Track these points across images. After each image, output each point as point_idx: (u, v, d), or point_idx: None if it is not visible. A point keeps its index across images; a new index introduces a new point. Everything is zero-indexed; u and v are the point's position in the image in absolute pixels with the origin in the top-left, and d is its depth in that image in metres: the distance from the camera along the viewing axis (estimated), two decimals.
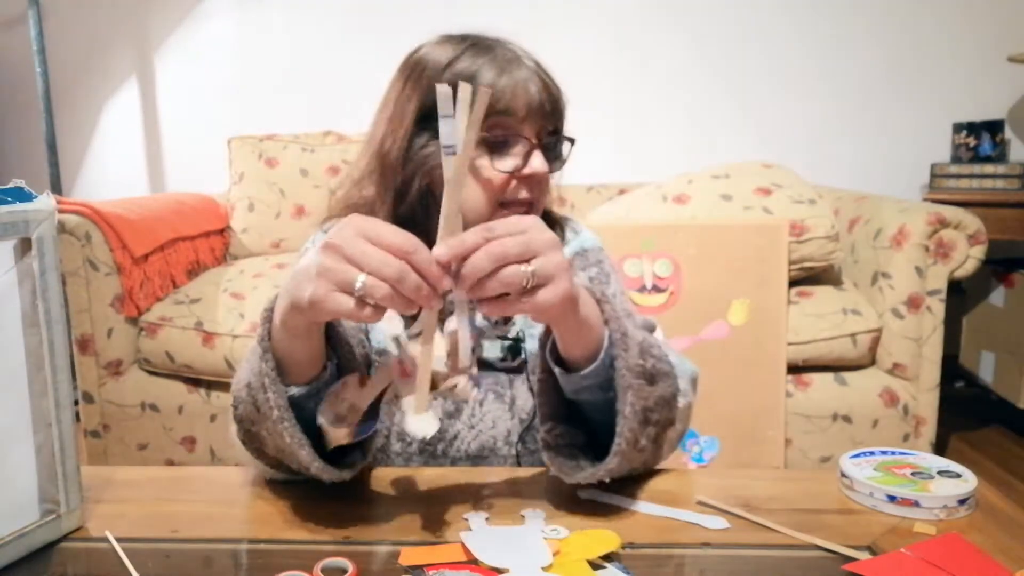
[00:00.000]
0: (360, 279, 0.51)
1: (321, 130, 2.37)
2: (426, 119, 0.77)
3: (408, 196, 0.79)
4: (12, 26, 2.59)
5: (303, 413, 0.61)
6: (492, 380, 0.82)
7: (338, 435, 0.60)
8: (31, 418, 0.57)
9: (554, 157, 0.79)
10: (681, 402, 0.68)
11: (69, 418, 0.60)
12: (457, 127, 0.54)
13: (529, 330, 0.83)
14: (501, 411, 0.81)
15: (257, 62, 2.59)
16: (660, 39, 2.48)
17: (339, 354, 0.65)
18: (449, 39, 0.80)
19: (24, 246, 0.56)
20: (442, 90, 0.53)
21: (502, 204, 0.77)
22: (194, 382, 1.79)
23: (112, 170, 2.68)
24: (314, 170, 2.27)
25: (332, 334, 0.64)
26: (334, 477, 0.62)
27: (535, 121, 0.76)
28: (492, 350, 0.83)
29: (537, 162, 0.75)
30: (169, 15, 2.59)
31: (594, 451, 0.67)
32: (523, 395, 0.82)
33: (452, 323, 0.57)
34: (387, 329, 0.61)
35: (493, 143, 0.75)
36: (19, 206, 0.56)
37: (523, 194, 0.77)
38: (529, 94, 0.75)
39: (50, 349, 0.58)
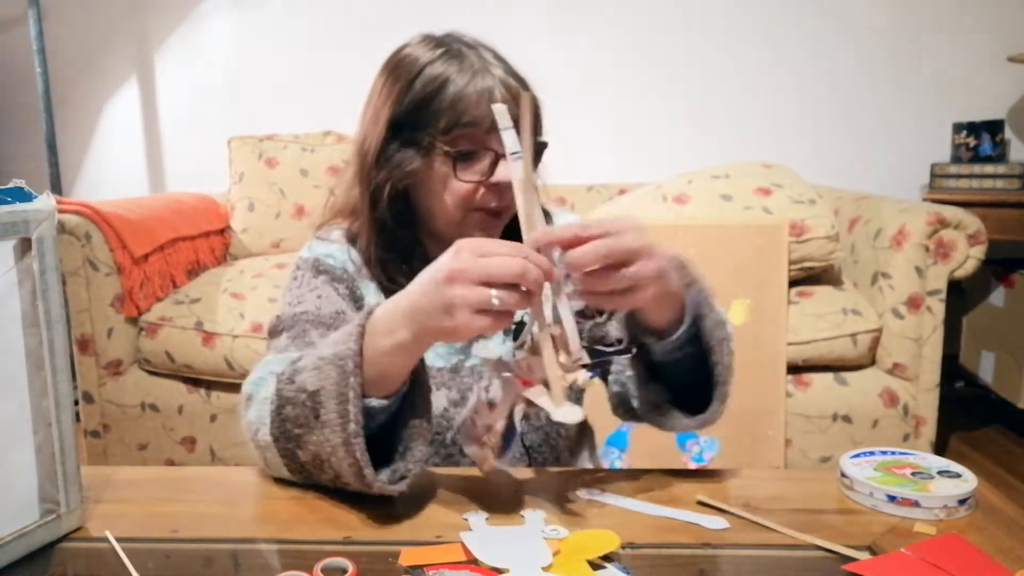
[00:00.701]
0: (494, 294, 0.56)
1: (321, 130, 2.37)
2: (398, 123, 0.79)
3: (381, 200, 0.80)
4: (12, 26, 2.59)
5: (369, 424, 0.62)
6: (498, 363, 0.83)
7: (486, 457, 0.64)
8: (31, 418, 0.57)
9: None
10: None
11: (69, 418, 0.60)
12: (521, 136, 0.61)
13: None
14: None
15: (257, 62, 2.59)
16: (660, 39, 2.48)
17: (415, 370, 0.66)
18: (427, 40, 0.81)
19: (24, 246, 0.56)
20: (498, 108, 0.61)
21: (473, 209, 0.78)
22: (194, 382, 1.79)
23: (112, 170, 2.68)
24: (314, 170, 2.27)
25: None
26: (389, 491, 0.62)
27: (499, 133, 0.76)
28: (493, 338, 0.84)
29: (502, 171, 0.76)
30: (169, 15, 2.59)
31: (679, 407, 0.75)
32: None
33: (550, 322, 0.61)
34: (490, 353, 0.68)
35: (458, 155, 0.77)
36: (19, 206, 0.56)
37: (492, 203, 0.78)
38: (482, 104, 0.75)
39: (50, 349, 0.58)
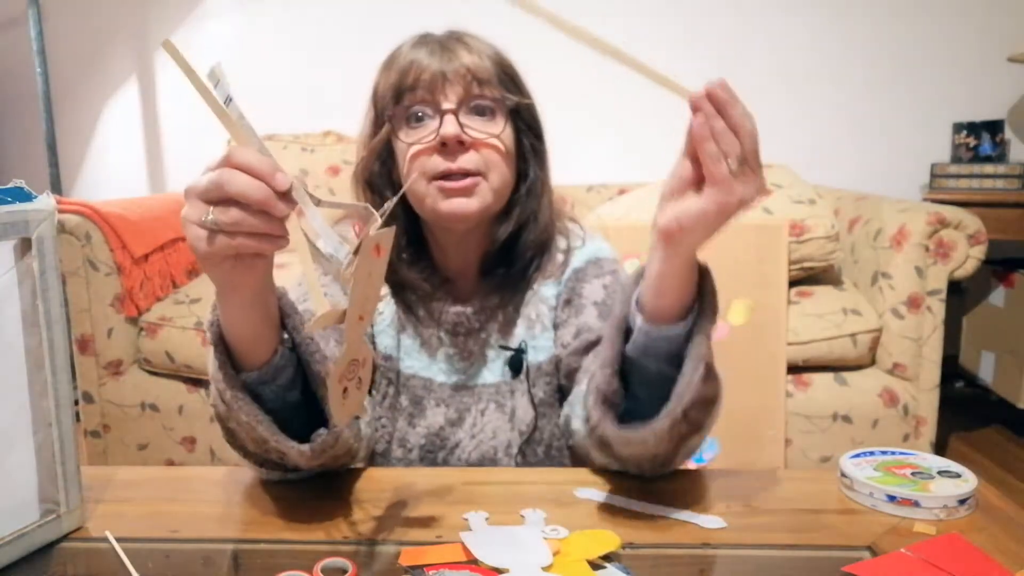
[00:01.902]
0: (210, 211, 0.52)
1: (321, 130, 2.37)
2: (381, 113, 0.79)
3: (377, 191, 0.81)
4: (12, 26, 2.59)
5: (261, 401, 0.62)
6: (493, 390, 0.82)
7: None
8: (31, 418, 0.57)
9: (485, 121, 0.77)
10: (714, 413, 0.66)
11: (69, 418, 0.60)
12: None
13: (532, 342, 0.83)
14: (502, 421, 0.81)
15: (257, 62, 2.59)
16: (660, 38, 2.48)
17: (293, 335, 0.65)
18: (418, 36, 0.81)
19: (24, 246, 0.56)
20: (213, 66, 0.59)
21: (441, 177, 0.75)
22: (194, 382, 1.79)
23: (112, 170, 2.68)
24: (314, 170, 2.27)
25: (284, 316, 0.64)
26: (295, 450, 0.61)
27: (448, 90, 0.75)
28: (494, 362, 0.83)
29: (447, 128, 0.74)
30: (169, 15, 2.59)
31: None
32: (523, 407, 0.81)
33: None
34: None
35: (407, 118, 0.77)
36: (19, 206, 0.56)
37: (441, 166, 0.75)
38: (431, 67, 0.75)
39: (50, 349, 0.58)
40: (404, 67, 0.77)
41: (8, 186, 0.56)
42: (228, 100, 0.56)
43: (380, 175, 0.81)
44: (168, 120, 2.66)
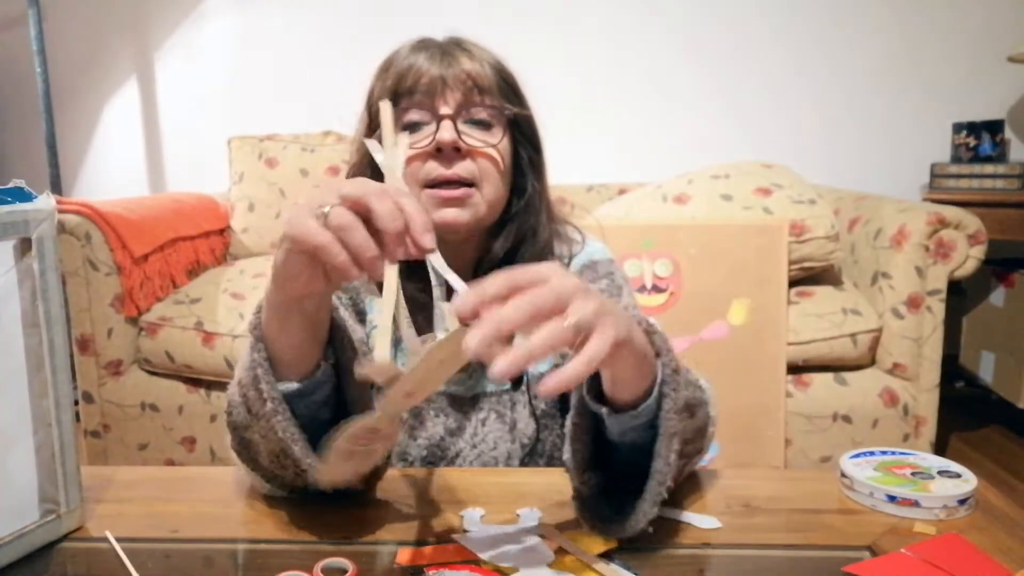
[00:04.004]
0: (330, 203, 0.49)
1: (321, 130, 2.37)
2: (373, 119, 0.78)
3: None
4: (12, 26, 2.59)
5: (293, 416, 0.59)
6: (494, 400, 0.81)
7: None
8: (31, 418, 0.57)
9: (483, 130, 0.76)
10: (711, 430, 0.66)
11: (69, 418, 0.60)
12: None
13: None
14: (502, 432, 0.81)
15: (257, 62, 2.59)
16: (660, 39, 2.48)
17: (337, 353, 0.63)
18: (415, 40, 0.80)
19: (24, 246, 0.56)
20: (384, 105, 0.58)
21: (435, 185, 0.74)
22: (194, 382, 1.79)
23: (112, 170, 2.68)
24: (314, 170, 2.27)
25: (334, 331, 0.62)
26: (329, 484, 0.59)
27: (447, 95, 0.75)
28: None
29: (444, 133, 0.73)
30: (169, 15, 2.59)
31: (626, 494, 0.60)
32: (524, 418, 0.81)
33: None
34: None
35: (404, 126, 0.76)
36: (19, 206, 0.56)
37: (441, 170, 0.73)
38: (431, 71, 0.74)
39: (50, 349, 0.58)
40: (402, 71, 0.76)
41: (8, 186, 0.56)
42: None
43: (373, 180, 0.81)
44: (168, 120, 2.66)
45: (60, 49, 2.56)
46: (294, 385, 0.59)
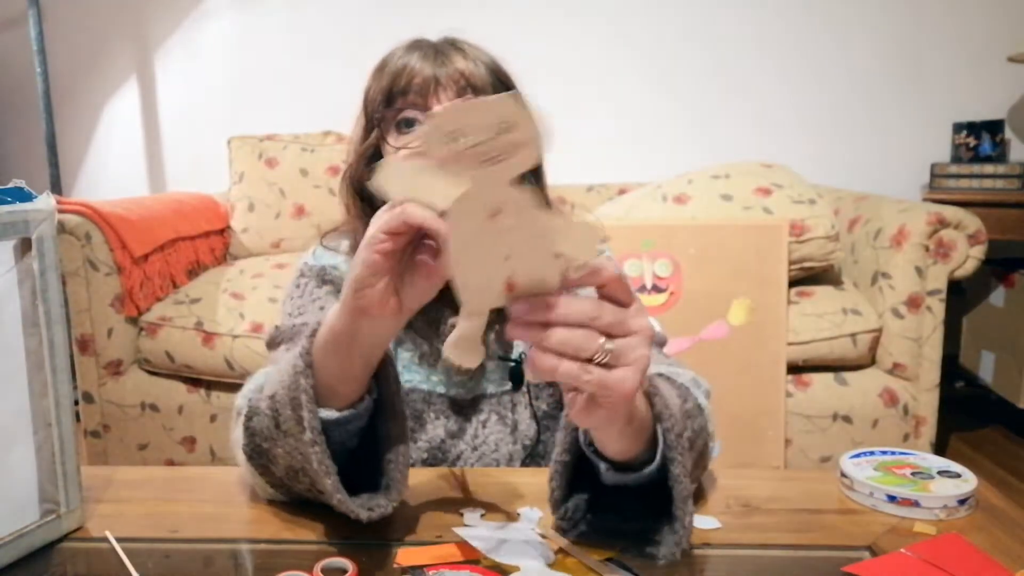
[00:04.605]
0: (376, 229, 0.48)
1: (321, 130, 2.37)
2: (372, 117, 0.78)
3: (369, 199, 0.79)
4: (12, 26, 2.59)
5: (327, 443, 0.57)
6: (495, 401, 0.81)
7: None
8: (31, 418, 0.57)
9: None
10: (715, 449, 0.65)
11: (69, 418, 0.60)
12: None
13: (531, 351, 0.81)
14: (503, 434, 0.81)
15: (257, 62, 2.59)
16: (660, 38, 2.48)
17: (381, 389, 0.61)
18: (410, 41, 0.80)
19: (24, 246, 0.56)
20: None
21: None
22: (194, 382, 1.79)
23: (112, 170, 2.68)
24: (314, 170, 2.27)
25: (381, 365, 0.60)
26: (354, 513, 0.56)
27: (441, 94, 0.74)
28: (494, 373, 0.81)
29: None
30: (169, 15, 2.59)
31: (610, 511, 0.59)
32: (525, 420, 0.81)
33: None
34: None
35: (397, 122, 0.76)
36: (19, 206, 0.56)
37: None
38: (425, 71, 0.74)
39: (50, 349, 0.58)
40: (396, 71, 0.76)
41: (8, 186, 0.56)
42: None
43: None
44: (168, 120, 2.66)
45: (60, 49, 2.56)
46: (334, 414, 0.58)
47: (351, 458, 0.61)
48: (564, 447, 0.58)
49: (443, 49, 0.77)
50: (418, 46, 0.78)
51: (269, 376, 0.62)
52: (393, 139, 0.76)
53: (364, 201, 0.80)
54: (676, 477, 0.53)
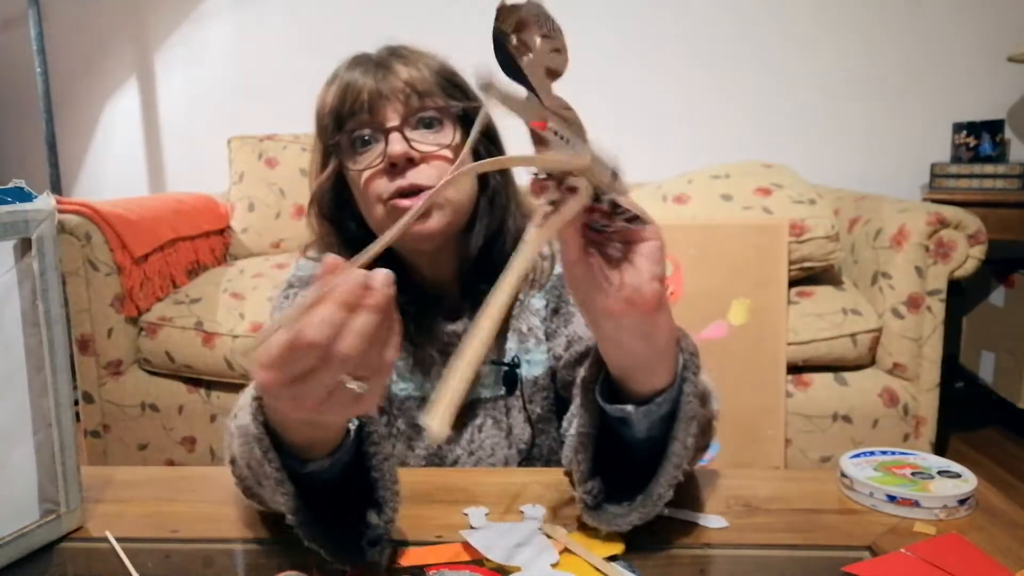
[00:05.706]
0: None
1: None
2: (326, 146, 0.78)
3: (340, 223, 0.79)
4: (12, 26, 2.59)
5: (305, 478, 0.53)
6: (490, 406, 0.81)
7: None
8: (31, 418, 0.57)
9: (434, 133, 0.75)
10: (715, 424, 0.65)
11: (69, 418, 0.60)
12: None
13: (525, 356, 0.81)
14: (499, 438, 0.81)
15: (257, 62, 2.59)
16: (659, 38, 2.48)
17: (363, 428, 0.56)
18: (356, 54, 0.79)
19: (24, 246, 0.56)
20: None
21: (385, 202, 0.73)
22: (194, 382, 1.79)
23: (112, 170, 2.68)
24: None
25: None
26: (346, 561, 0.52)
27: (388, 108, 0.73)
28: (488, 377, 0.81)
29: (394, 146, 0.72)
30: (169, 15, 2.59)
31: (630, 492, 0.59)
32: (519, 424, 0.81)
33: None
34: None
35: (352, 143, 0.75)
36: (19, 206, 0.56)
37: (397, 183, 0.72)
38: (368, 86, 0.73)
39: (50, 349, 0.58)
40: (340, 90, 0.75)
41: (8, 186, 0.56)
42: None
43: (336, 205, 0.79)
44: (168, 120, 2.66)
45: (60, 49, 2.56)
46: (324, 464, 0.53)
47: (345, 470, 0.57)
48: (586, 419, 0.59)
49: (384, 61, 0.76)
50: (359, 61, 0.77)
51: (239, 422, 0.56)
52: (352, 162, 0.75)
53: (333, 224, 0.80)
54: (687, 396, 0.57)
